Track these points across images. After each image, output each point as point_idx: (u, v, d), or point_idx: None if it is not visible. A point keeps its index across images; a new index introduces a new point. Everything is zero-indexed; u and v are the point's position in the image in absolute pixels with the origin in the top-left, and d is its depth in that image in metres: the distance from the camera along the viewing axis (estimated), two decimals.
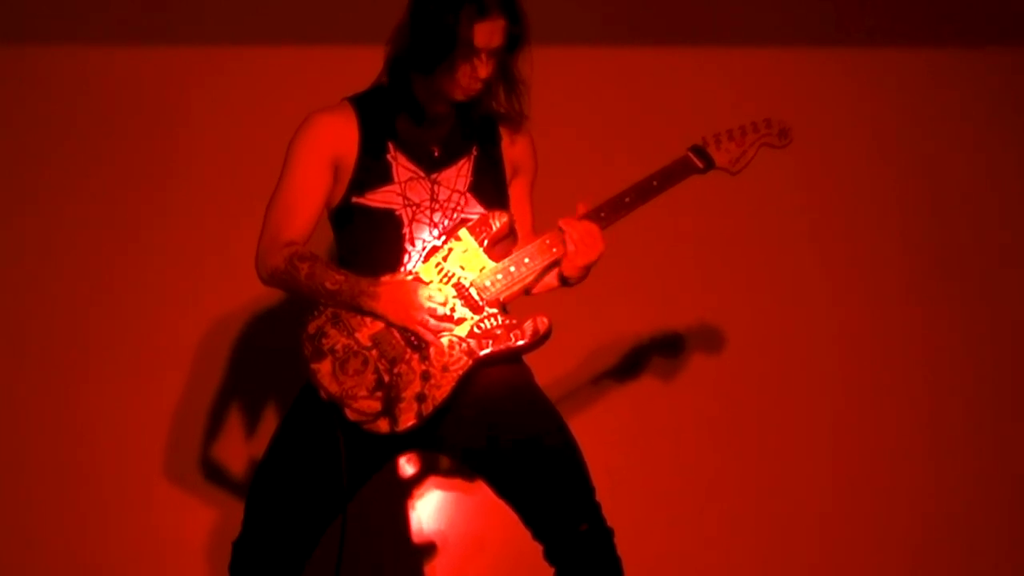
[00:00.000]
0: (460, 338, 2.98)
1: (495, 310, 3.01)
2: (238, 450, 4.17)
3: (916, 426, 4.47)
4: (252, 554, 3.05)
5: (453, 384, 2.95)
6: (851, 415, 4.45)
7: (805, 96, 4.43)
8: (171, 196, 4.25)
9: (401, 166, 3.07)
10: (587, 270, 3.08)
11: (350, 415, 2.94)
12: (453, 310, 2.98)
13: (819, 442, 4.43)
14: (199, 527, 4.17)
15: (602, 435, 4.04)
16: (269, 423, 4.12)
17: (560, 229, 3.04)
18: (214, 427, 4.18)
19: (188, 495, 4.20)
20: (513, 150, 3.18)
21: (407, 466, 4.25)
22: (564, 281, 3.12)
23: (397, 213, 3.05)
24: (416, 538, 4.25)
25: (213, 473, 4.17)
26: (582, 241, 3.03)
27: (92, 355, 4.22)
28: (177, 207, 4.25)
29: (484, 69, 2.98)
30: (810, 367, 4.45)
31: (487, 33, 2.95)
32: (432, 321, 2.96)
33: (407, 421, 2.93)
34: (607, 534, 3.04)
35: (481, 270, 3.03)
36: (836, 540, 4.41)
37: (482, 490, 4.04)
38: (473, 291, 3.01)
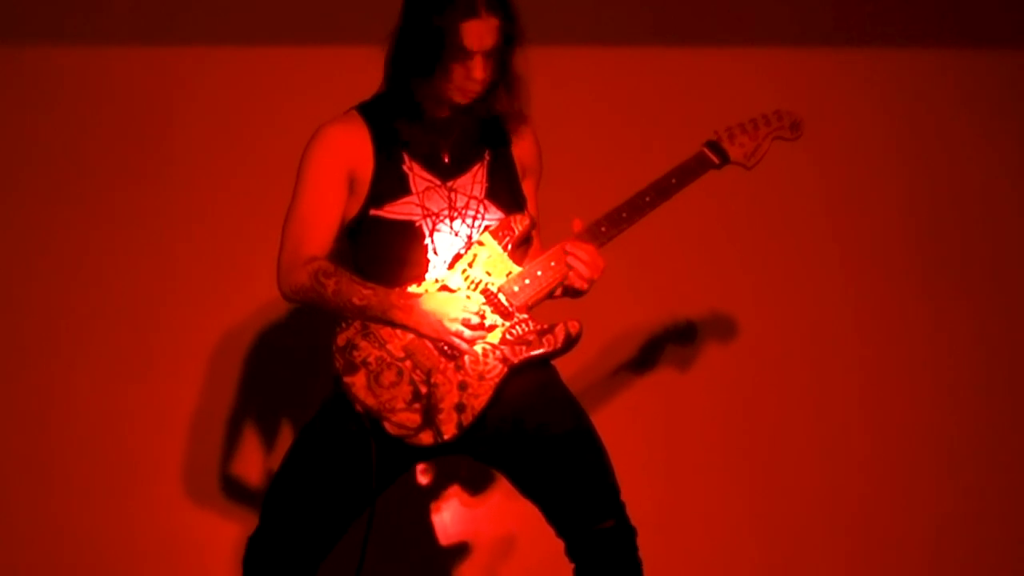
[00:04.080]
0: (493, 345, 2.95)
1: (525, 315, 2.99)
2: (253, 456, 4.15)
3: (930, 423, 4.46)
4: (267, 552, 3.00)
5: (491, 392, 2.93)
6: (866, 408, 4.44)
7: (809, 96, 4.42)
8: (177, 196, 4.21)
9: (418, 176, 3.03)
10: (590, 285, 3.05)
11: (390, 429, 2.91)
12: (484, 317, 2.96)
13: (835, 436, 4.42)
14: (212, 535, 4.13)
15: (612, 432, 4.03)
16: (286, 428, 4.11)
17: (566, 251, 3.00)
18: (230, 433, 4.15)
19: (202, 500, 4.16)
20: (521, 151, 3.14)
21: (430, 470, 4.21)
22: (568, 292, 3.07)
23: (417, 224, 3.01)
24: (441, 541, 4.22)
25: (228, 482, 4.13)
26: (580, 268, 3.00)
27: (105, 360, 4.18)
28: (187, 209, 4.21)
29: (479, 70, 2.93)
30: (822, 360, 4.44)
31: (478, 34, 2.90)
32: (467, 332, 2.93)
33: (449, 432, 2.91)
34: (630, 533, 3.03)
35: (507, 275, 3.01)
36: (852, 537, 4.41)
37: (499, 498, 4.10)
38: (502, 296, 2.99)
